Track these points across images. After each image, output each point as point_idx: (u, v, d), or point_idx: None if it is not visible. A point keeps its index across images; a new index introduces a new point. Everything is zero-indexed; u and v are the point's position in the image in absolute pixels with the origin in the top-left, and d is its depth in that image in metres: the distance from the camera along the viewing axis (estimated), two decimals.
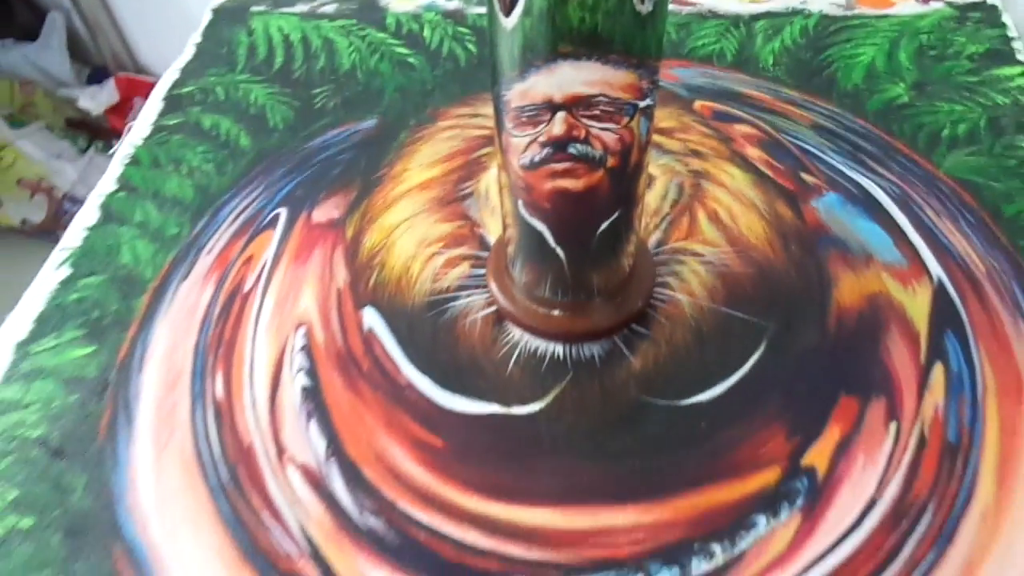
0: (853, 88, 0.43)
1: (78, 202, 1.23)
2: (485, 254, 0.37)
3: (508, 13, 0.23)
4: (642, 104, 0.26)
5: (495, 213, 0.38)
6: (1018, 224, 0.36)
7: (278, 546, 0.28)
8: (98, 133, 1.33)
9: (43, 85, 1.31)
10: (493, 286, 0.35)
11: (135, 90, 1.31)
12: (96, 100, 1.26)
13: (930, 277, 0.35)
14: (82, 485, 0.30)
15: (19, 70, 1.29)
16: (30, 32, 1.31)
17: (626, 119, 0.26)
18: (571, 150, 0.27)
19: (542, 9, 0.22)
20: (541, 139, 0.27)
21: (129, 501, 0.30)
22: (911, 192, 0.38)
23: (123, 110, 1.31)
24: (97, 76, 1.37)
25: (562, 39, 0.23)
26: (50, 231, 1.23)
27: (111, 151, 1.25)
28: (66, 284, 0.37)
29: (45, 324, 0.35)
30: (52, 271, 0.38)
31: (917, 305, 0.34)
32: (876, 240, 0.36)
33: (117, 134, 1.33)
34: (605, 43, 0.24)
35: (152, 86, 1.40)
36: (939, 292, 0.34)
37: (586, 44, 0.24)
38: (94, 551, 0.28)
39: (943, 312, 0.33)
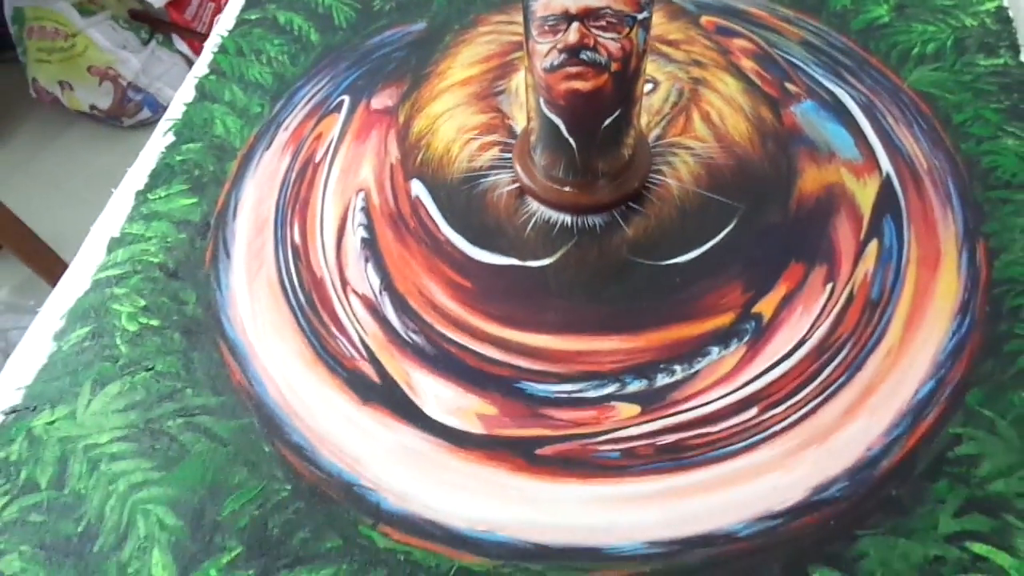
0: (841, 8, 0.48)
1: (141, 91, 1.31)
2: (513, 141, 0.44)
3: None
4: (640, 16, 0.33)
5: (522, 108, 0.46)
6: (962, 130, 0.42)
7: (344, 349, 0.37)
8: (159, 26, 1.40)
9: None
10: (517, 167, 0.42)
11: None
12: None
13: (880, 172, 0.41)
14: (194, 299, 0.39)
15: None
16: None
17: (627, 29, 0.33)
18: (583, 56, 0.34)
19: None
20: (559, 46, 0.34)
21: (230, 312, 0.39)
22: (876, 101, 0.44)
23: (182, 4, 1.38)
24: None
25: None
26: (116, 117, 1.32)
27: (172, 45, 1.32)
28: (171, 148, 0.46)
29: (157, 178, 0.44)
30: (160, 136, 0.46)
31: (866, 193, 0.41)
32: (840, 140, 0.43)
33: (177, 27, 1.40)
34: None
35: None
36: (886, 184, 0.41)
37: None
38: (206, 345, 0.38)
39: (886, 200, 0.40)
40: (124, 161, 0.46)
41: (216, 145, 0.46)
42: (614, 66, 0.35)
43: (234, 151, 0.45)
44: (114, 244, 0.41)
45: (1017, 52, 0.44)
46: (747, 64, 0.47)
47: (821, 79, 0.46)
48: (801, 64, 0.47)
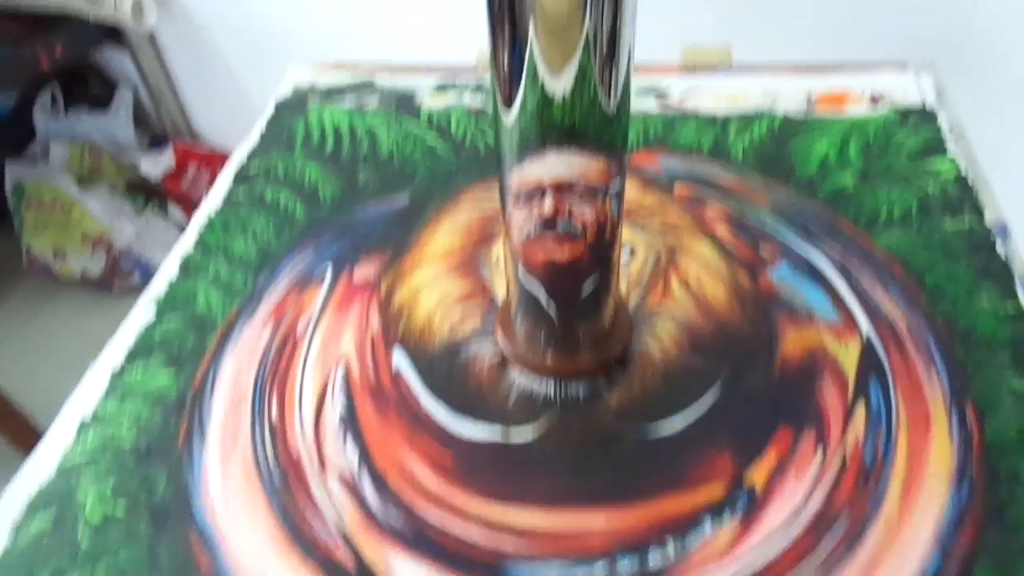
0: (808, 177, 0.50)
1: (133, 258, 1.34)
2: (494, 310, 0.45)
3: (508, 110, 0.31)
4: (612, 188, 0.34)
5: (503, 276, 0.46)
6: (936, 290, 0.43)
7: (319, 535, 0.36)
8: (154, 195, 1.45)
9: (109, 150, 1.44)
10: (499, 336, 0.42)
11: (190, 157, 1.44)
12: (156, 166, 1.39)
13: (860, 334, 0.42)
14: (163, 483, 0.38)
15: (91, 136, 1.42)
16: (102, 102, 1.45)
17: (600, 200, 0.34)
18: (558, 226, 0.35)
19: (533, 110, 0.29)
20: (535, 216, 0.35)
21: (201, 496, 0.37)
22: (850, 263, 0.45)
23: (178, 175, 1.44)
24: (157, 142, 1.50)
25: (549, 133, 0.30)
26: (107, 283, 1.34)
27: (166, 212, 1.36)
28: (152, 324, 0.46)
29: (135, 355, 0.44)
30: (142, 313, 0.46)
31: (849, 356, 0.41)
32: (818, 303, 0.43)
33: (172, 196, 1.44)
34: (582, 136, 0.31)
35: (206, 156, 1.53)
36: (867, 346, 0.41)
37: (567, 137, 0.30)
38: (174, 533, 0.36)
39: (869, 362, 0.40)
40: (112, 329, 0.46)
41: (197, 320, 0.46)
42: (590, 236, 0.35)
43: (215, 325, 0.45)
44: (84, 427, 0.40)
45: (980, 214, 0.46)
46: (721, 230, 0.48)
47: (793, 244, 0.47)
48: (773, 229, 0.48)
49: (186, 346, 0.44)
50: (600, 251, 0.36)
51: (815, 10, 0.76)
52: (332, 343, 0.44)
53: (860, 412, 0.38)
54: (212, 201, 0.54)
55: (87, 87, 1.46)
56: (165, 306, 0.47)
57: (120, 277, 1.32)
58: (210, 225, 0.52)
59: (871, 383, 0.40)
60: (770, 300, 0.44)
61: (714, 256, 0.47)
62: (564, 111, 0.30)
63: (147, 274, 1.35)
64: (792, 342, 0.42)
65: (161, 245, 1.38)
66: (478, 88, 0.61)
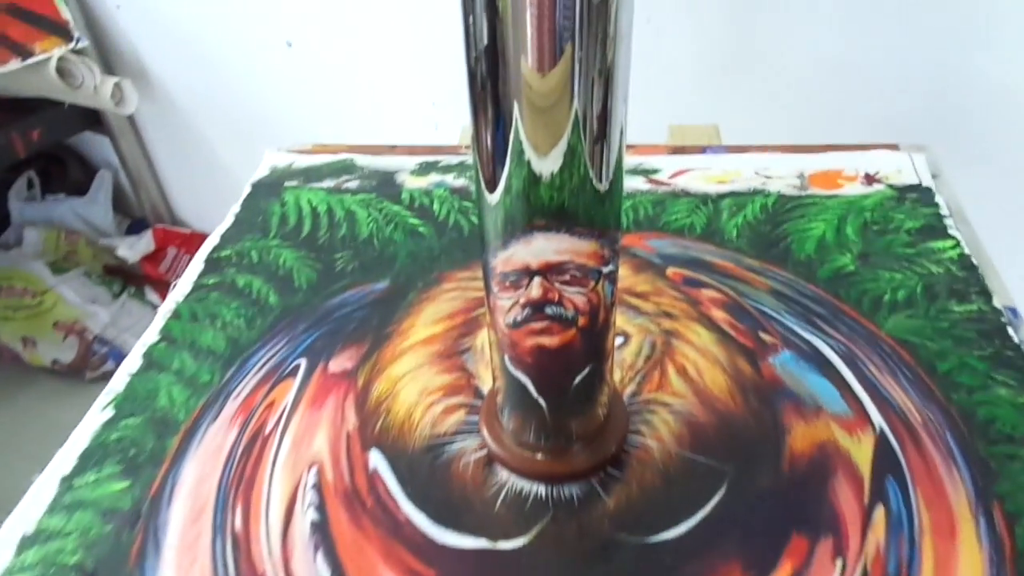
0: (806, 258, 0.48)
1: (107, 343, 1.30)
2: (479, 403, 0.42)
3: (492, 191, 0.28)
4: (605, 269, 0.31)
5: (488, 366, 0.44)
6: (950, 379, 0.40)
7: None
8: (132, 279, 1.42)
9: (86, 235, 1.42)
10: (484, 432, 0.39)
11: (170, 240, 1.41)
12: (133, 249, 1.36)
13: (873, 427, 0.39)
14: None
15: (67, 221, 1.40)
16: (80, 186, 1.43)
17: (593, 282, 0.31)
18: (547, 311, 0.32)
19: (519, 189, 0.27)
20: (522, 301, 0.32)
21: None
22: (856, 350, 0.43)
23: (157, 258, 1.41)
24: (136, 227, 1.48)
25: (536, 214, 0.28)
26: (78, 370, 1.29)
27: (143, 296, 1.33)
28: (109, 424, 0.42)
29: (88, 460, 0.40)
30: (98, 412, 0.43)
31: (862, 452, 0.38)
32: (825, 393, 0.41)
33: (150, 280, 1.41)
34: (571, 217, 0.28)
35: (186, 237, 1.51)
36: (881, 440, 0.38)
37: (556, 218, 0.28)
38: None
39: (885, 458, 0.37)
40: (82, 417, 0.42)
41: (158, 419, 0.42)
42: (581, 320, 0.33)
43: (177, 425, 0.42)
44: (26, 543, 0.36)
45: (988, 297, 0.44)
46: (718, 315, 0.46)
47: (796, 328, 0.44)
48: (773, 313, 0.45)
49: (144, 449, 0.41)
50: (593, 337, 0.34)
51: (800, 92, 0.76)
52: (304, 443, 0.40)
53: (879, 516, 0.35)
54: (180, 289, 0.51)
55: (66, 171, 1.45)
56: (124, 405, 0.43)
57: (92, 364, 1.28)
58: (177, 315, 0.49)
59: (888, 482, 0.36)
60: (774, 390, 0.41)
61: (712, 342, 0.44)
62: (552, 191, 0.27)
63: (121, 361, 1.31)
64: (800, 436, 0.39)
65: (136, 330, 1.34)
66: (461, 167, 0.59)
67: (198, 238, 1.42)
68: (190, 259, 1.43)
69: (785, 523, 0.35)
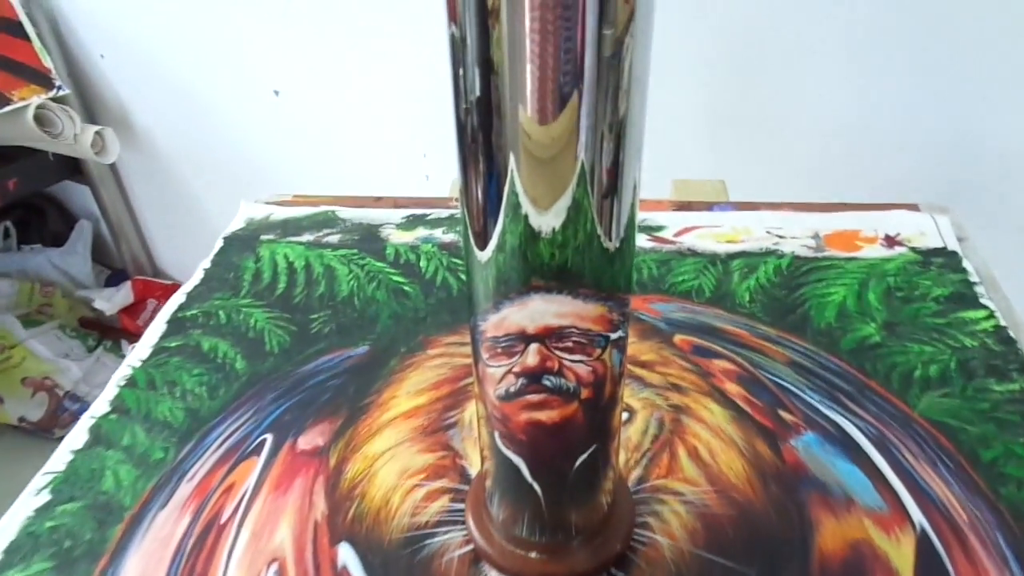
0: (826, 326, 0.44)
1: (78, 400, 1.24)
2: (466, 487, 0.37)
3: (483, 247, 0.24)
4: (613, 336, 0.27)
5: (477, 444, 0.39)
6: (996, 470, 0.36)
7: None
8: (108, 332, 1.37)
9: (63, 286, 1.37)
10: (471, 523, 0.34)
11: (150, 292, 1.37)
12: (111, 301, 1.31)
13: (912, 525, 0.34)
14: None
15: (44, 272, 1.35)
16: (59, 237, 1.39)
17: (598, 351, 0.27)
18: (545, 382, 0.27)
19: (514, 245, 0.23)
20: (516, 370, 0.27)
21: None
22: (888, 433, 0.38)
23: (136, 311, 1.36)
24: (116, 278, 1.43)
25: (534, 273, 0.24)
26: (47, 429, 1.23)
27: (119, 351, 1.27)
28: (43, 511, 0.37)
29: (14, 555, 0.35)
30: (31, 497, 0.38)
31: (902, 555, 0.33)
32: (856, 483, 0.36)
33: (127, 333, 1.36)
34: (575, 277, 0.24)
35: (166, 288, 1.45)
36: (923, 541, 0.33)
37: (557, 278, 0.24)
38: None
39: (928, 564, 0.33)
40: None
41: (100, 505, 0.37)
42: (584, 393, 0.28)
43: (121, 512, 0.37)
44: None
45: None
46: (732, 388, 0.41)
47: (818, 406, 0.40)
48: (793, 388, 0.41)
49: (81, 540, 0.35)
50: (597, 413, 0.29)
51: (811, 148, 0.73)
52: (265, 534, 0.35)
53: None
54: (138, 352, 0.46)
55: (45, 220, 1.41)
56: (63, 488, 0.38)
57: (62, 422, 1.22)
58: (132, 382, 0.44)
59: None
60: (798, 478, 0.36)
61: (727, 420, 0.39)
62: (553, 248, 0.23)
63: None
64: (831, 534, 0.34)
65: None
66: (451, 221, 0.55)
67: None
68: None
69: None
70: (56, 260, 1.35)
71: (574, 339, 0.26)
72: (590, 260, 0.24)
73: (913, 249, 0.49)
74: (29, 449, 1.23)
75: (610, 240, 0.24)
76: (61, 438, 1.15)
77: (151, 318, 1.37)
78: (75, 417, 1.24)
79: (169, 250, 1.40)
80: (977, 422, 0.38)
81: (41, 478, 0.39)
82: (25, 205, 1.37)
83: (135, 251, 1.38)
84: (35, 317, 1.28)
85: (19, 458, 1.20)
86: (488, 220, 0.23)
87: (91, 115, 1.21)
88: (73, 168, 1.23)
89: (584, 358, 0.27)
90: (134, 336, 1.35)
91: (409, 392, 0.42)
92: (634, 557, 0.33)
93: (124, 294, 1.33)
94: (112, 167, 1.25)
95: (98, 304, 1.30)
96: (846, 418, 0.39)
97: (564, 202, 0.22)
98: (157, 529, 0.36)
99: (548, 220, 0.23)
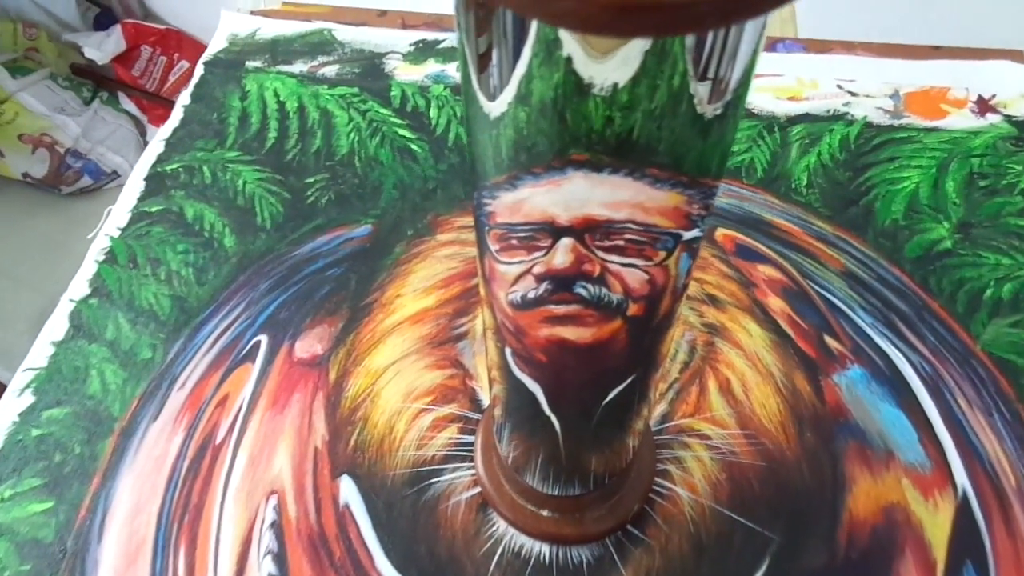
0: (892, 224, 0.39)
1: (81, 157, 1.19)
2: (476, 416, 0.34)
3: (493, 97, 0.15)
4: (687, 236, 0.18)
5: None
6: None
7: None
8: (103, 83, 1.28)
9: (47, 28, 1.26)
10: (479, 464, 0.32)
11: (143, 38, 1.26)
12: (102, 49, 1.21)
13: (954, 488, 0.32)
14: None
15: (25, 11, 1.23)
16: None
17: (662, 254, 0.18)
18: (578, 290, 0.19)
19: (545, 99, 0.14)
20: (537, 270, 0.19)
21: None
22: (943, 372, 0.34)
23: (130, 59, 1.26)
24: (103, 19, 1.31)
25: (575, 143, 0.15)
26: (53, 185, 1.20)
27: (117, 103, 1.19)
28: (28, 415, 0.35)
29: (4, 464, 0.33)
30: (14, 398, 0.35)
31: (938, 525, 0.31)
32: (900, 433, 0.33)
33: (123, 84, 1.28)
34: (643, 153, 0.15)
35: (160, 34, 1.33)
36: (962, 509, 0.31)
37: (613, 152, 0.15)
38: None
39: (965, 537, 0.31)
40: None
41: (88, 412, 0.35)
42: (632, 308, 0.20)
43: (111, 423, 0.35)
44: None
45: None
46: (776, 304, 0.37)
47: (870, 332, 0.36)
48: (844, 306, 0.37)
49: (71, 453, 0.34)
50: (646, 336, 0.21)
51: None
52: (263, 459, 0.33)
53: None
54: (116, 218, 0.41)
55: None
56: (46, 387, 0.36)
57: (67, 178, 1.18)
58: (111, 257, 0.40)
59: (966, 570, 0.30)
60: (837, 423, 0.34)
61: (766, 346, 0.36)
62: (612, 110, 0.14)
63: (98, 176, 1.21)
64: (864, 495, 0.32)
65: (111, 143, 1.23)
66: None
67: (173, 36, 1.26)
68: (167, 62, 1.28)
69: None
70: None
71: (629, 236, 0.17)
72: (671, 130, 0.15)
73: (1008, 119, 0.42)
74: (37, 202, 1.20)
75: (711, 102, 0.15)
76: (68, 195, 1.12)
77: (147, 68, 1.28)
78: (79, 174, 1.20)
79: None
80: None
81: (23, 375, 0.36)
82: None
83: None
84: (23, 63, 1.19)
85: (29, 210, 1.19)
86: (501, 56, 0.14)
87: None
88: None
89: (641, 262, 0.18)
90: (130, 88, 1.27)
91: (416, 290, 0.38)
92: (651, 511, 0.32)
93: (115, 40, 1.23)
94: None
95: (89, 53, 1.20)
96: (899, 349, 0.35)
97: (636, 48, 0.13)
98: (150, 447, 0.34)
99: (607, 71, 0.13)
